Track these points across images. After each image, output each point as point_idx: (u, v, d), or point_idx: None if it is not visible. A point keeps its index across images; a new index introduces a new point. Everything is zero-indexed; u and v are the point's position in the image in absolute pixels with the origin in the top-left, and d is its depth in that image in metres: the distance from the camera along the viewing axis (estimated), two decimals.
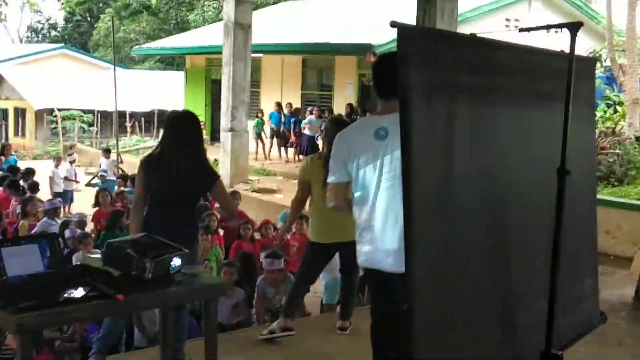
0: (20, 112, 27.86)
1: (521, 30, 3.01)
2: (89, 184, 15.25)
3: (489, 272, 2.83)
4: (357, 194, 3.43)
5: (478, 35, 2.82)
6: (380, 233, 3.31)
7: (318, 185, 4.99)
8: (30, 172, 12.39)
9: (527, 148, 3.01)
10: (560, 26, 2.88)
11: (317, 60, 18.98)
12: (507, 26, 16.98)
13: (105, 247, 3.64)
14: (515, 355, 3.12)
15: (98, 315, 3.67)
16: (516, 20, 17.27)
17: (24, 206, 9.69)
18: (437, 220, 2.48)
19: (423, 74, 2.34)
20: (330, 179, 3.58)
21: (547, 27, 2.96)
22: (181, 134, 4.45)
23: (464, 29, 13.81)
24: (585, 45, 17.08)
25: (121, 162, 16.18)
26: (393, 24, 2.23)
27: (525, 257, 3.10)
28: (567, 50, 2.93)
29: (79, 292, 3.37)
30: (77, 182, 14.87)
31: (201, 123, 5.33)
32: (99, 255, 3.74)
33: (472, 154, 2.67)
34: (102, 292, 3.35)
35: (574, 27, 2.88)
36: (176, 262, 3.62)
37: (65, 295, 3.33)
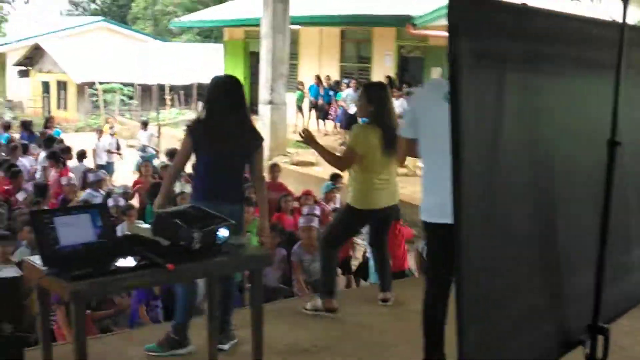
0: (62, 85, 28.26)
1: None
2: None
3: (536, 242, 2.82)
4: (427, 146, 3.72)
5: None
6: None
7: (375, 153, 5.03)
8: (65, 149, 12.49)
9: (577, 118, 2.97)
10: None
11: (355, 32, 18.86)
12: None
13: (154, 218, 3.71)
14: (561, 325, 3.11)
15: (149, 283, 3.75)
16: None
17: None
18: (485, 191, 2.47)
19: (473, 42, 2.32)
20: (401, 132, 4.03)
21: None
22: (227, 97, 4.48)
23: None
24: (636, 16, 16.66)
25: (160, 134, 16.36)
26: None
27: (573, 227, 3.07)
28: (618, 20, 2.89)
29: (129, 261, 3.45)
30: (120, 154, 15.07)
31: None
32: (147, 226, 3.81)
33: (520, 124, 2.65)
34: (152, 262, 3.42)
35: None
36: (223, 232, 3.67)
37: (117, 264, 3.42)
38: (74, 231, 3.49)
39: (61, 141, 13.51)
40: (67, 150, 12.16)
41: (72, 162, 12.02)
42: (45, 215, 3.47)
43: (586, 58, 2.97)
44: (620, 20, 2.89)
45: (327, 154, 5.27)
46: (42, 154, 11.75)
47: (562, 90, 2.83)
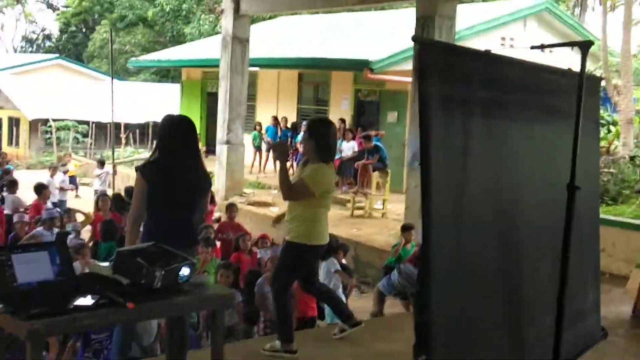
0: (14, 122, 27.83)
1: (532, 47, 3.07)
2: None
3: (500, 283, 2.87)
4: None
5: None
6: None
7: (330, 190, 5.12)
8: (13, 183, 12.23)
9: (536, 162, 3.06)
10: (572, 44, 2.95)
11: (313, 74, 19.05)
12: (502, 44, 17.11)
13: (115, 256, 3.66)
14: None
15: (108, 322, 3.68)
16: (511, 39, 17.41)
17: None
18: (452, 231, 2.52)
19: (441, 87, 2.40)
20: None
21: (559, 45, 3.02)
22: (178, 137, 4.45)
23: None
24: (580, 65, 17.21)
25: (115, 173, 16.17)
26: (414, 39, 2.27)
27: (533, 270, 3.14)
28: (571, 68, 3.00)
29: (88, 300, 3.39)
30: (74, 189, 14.80)
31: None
32: (107, 264, 3.75)
33: (485, 166, 2.72)
34: (112, 300, 3.37)
35: (585, 46, 2.94)
36: (185, 271, 3.64)
37: (76, 302, 3.35)
38: (32, 269, 3.42)
39: (7, 173, 13.21)
40: (13, 183, 11.92)
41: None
42: (2, 252, 3.39)
43: (545, 104, 3.08)
44: (576, 69, 3.00)
45: (286, 176, 5.07)
46: None
47: (525, 135, 2.92)
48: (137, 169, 4.54)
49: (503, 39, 17.35)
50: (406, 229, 9.35)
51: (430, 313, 2.37)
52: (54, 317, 3.17)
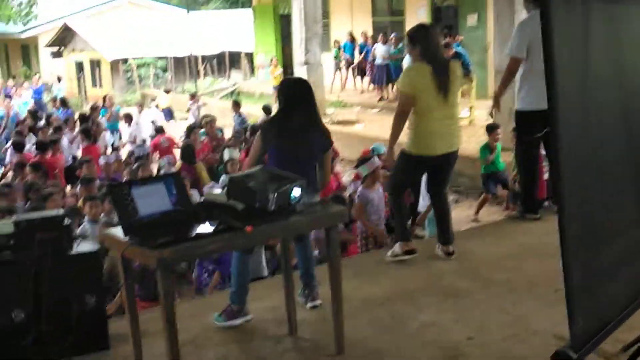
0: (95, 64, 28.42)
1: None
2: None
3: (629, 174, 2.79)
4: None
5: None
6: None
7: (429, 93, 4.97)
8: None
9: None
10: None
11: None
12: None
13: (228, 182, 3.73)
14: None
15: (230, 247, 3.78)
16: None
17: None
18: (580, 127, 2.44)
19: None
20: (511, 52, 5.86)
21: None
22: (297, 100, 4.48)
23: None
24: None
25: (204, 104, 16.50)
26: None
27: None
28: None
29: (207, 227, 3.48)
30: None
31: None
32: (220, 190, 3.83)
33: (607, 55, 2.62)
34: (231, 225, 3.44)
35: None
36: (296, 192, 3.67)
37: (197, 230, 3.45)
38: (151, 201, 3.52)
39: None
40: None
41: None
42: (123, 187, 3.50)
43: None
44: None
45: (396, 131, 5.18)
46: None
47: None
48: (260, 127, 4.74)
49: None
50: (492, 129, 9.29)
51: (565, 211, 2.31)
52: (179, 245, 3.27)
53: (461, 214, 9.73)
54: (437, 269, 5.18)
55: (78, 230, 6.50)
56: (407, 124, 5.16)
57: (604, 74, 2.62)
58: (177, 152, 11.19)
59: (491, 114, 7.57)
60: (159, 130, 12.66)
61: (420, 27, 5.32)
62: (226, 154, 9.30)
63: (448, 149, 5.15)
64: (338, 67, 18.06)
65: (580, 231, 2.46)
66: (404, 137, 5.18)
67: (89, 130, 11.84)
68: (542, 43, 2.27)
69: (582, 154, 2.46)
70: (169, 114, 17.48)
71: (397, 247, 5.35)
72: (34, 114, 15.29)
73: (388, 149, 5.31)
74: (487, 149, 9.38)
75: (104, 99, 16.22)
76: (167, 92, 19.47)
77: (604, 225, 2.60)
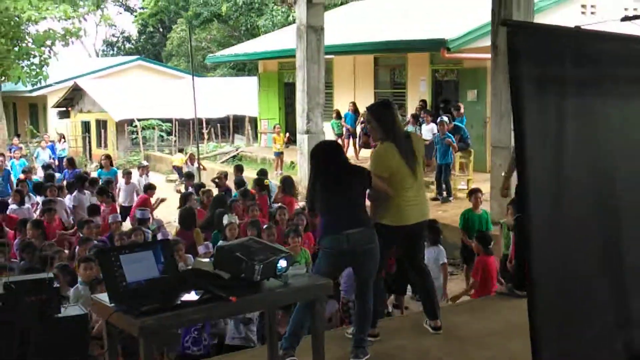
0: (101, 124, 28.80)
1: (623, 19, 3.00)
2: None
3: (602, 258, 2.84)
4: None
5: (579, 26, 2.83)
6: None
7: (400, 170, 5.11)
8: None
9: (634, 137, 2.99)
10: None
11: (389, 58, 18.94)
12: (583, 13, 16.57)
13: (215, 252, 3.80)
14: (628, 340, 3.10)
15: (213, 316, 3.83)
16: (592, 6, 16.82)
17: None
18: (550, 209, 2.52)
19: (533, 69, 2.38)
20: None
21: None
22: (331, 157, 4.96)
23: (540, 19, 13.57)
24: None
25: (204, 168, 16.60)
26: (504, 23, 2.27)
27: (635, 242, 3.08)
28: None
29: (192, 296, 3.53)
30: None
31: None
32: (208, 260, 3.89)
33: (582, 144, 2.70)
34: (215, 295, 3.50)
35: None
36: (282, 264, 3.73)
37: (181, 298, 3.50)
38: (139, 268, 3.58)
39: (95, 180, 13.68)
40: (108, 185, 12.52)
41: None
42: (111, 254, 3.57)
43: None
44: None
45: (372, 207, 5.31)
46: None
47: (620, 110, 2.86)
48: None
49: (583, 6, 16.78)
50: (472, 193, 9.36)
51: (532, 288, 2.38)
52: (163, 313, 3.32)
53: (456, 287, 9.72)
54: (426, 343, 5.19)
55: (71, 292, 6.53)
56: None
57: (579, 163, 2.70)
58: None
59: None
60: (149, 188, 12.82)
61: (380, 105, 5.53)
62: (225, 219, 9.37)
63: (421, 218, 5.29)
64: (339, 136, 18.28)
65: (551, 317, 2.51)
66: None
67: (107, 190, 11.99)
68: (514, 134, 2.38)
69: (554, 241, 2.54)
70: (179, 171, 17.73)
71: None
72: (49, 172, 15.33)
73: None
74: (467, 214, 9.26)
75: (105, 158, 16.38)
76: (181, 151, 19.86)
77: (578, 313, 2.66)
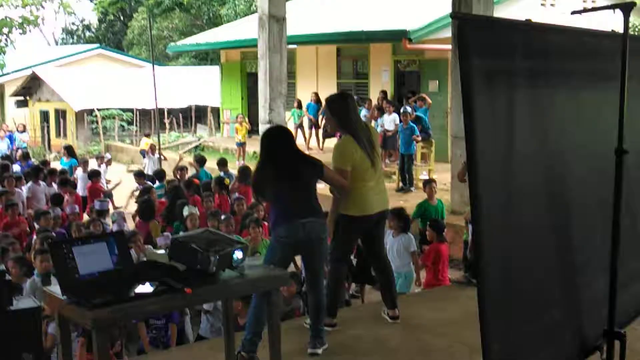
0: (60, 114, 28.33)
1: (573, 13, 3.04)
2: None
3: (552, 250, 2.89)
4: None
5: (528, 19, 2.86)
6: None
7: (361, 162, 5.13)
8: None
9: (585, 129, 3.04)
10: (612, 7, 2.91)
11: (351, 48, 18.96)
12: (542, 4, 16.76)
13: (171, 243, 3.77)
14: (576, 332, 3.16)
15: (168, 308, 3.81)
16: None
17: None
18: (501, 200, 2.55)
19: (483, 62, 2.40)
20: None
21: (599, 9, 2.98)
22: (280, 144, 4.89)
23: (500, 11, 13.71)
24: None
25: (165, 158, 16.43)
26: (453, 15, 2.28)
27: (585, 235, 3.13)
28: (618, 31, 2.96)
29: (147, 287, 3.51)
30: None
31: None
32: (163, 251, 3.87)
33: (532, 137, 2.73)
34: (171, 286, 3.47)
35: (626, 8, 2.90)
36: (238, 255, 3.72)
37: (136, 290, 3.47)
38: (93, 260, 3.54)
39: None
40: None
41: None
42: (64, 245, 3.52)
43: (591, 69, 3.05)
44: (620, 31, 2.97)
45: (333, 208, 5.31)
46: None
47: (571, 102, 2.90)
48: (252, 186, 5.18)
49: None
50: (427, 183, 9.47)
51: (483, 283, 2.41)
52: (116, 305, 3.29)
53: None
54: (383, 332, 5.23)
55: (27, 284, 6.44)
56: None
57: (529, 156, 2.73)
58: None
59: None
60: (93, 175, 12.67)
61: (338, 97, 5.56)
62: (186, 210, 9.31)
63: (382, 208, 5.33)
64: (299, 126, 18.24)
65: (501, 307, 2.55)
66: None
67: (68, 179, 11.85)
68: (465, 127, 2.40)
69: (504, 232, 2.57)
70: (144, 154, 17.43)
71: None
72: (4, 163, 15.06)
73: (330, 222, 5.25)
74: (423, 205, 9.35)
75: (66, 149, 16.12)
76: (147, 135, 19.56)
77: (527, 304, 2.69)
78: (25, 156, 16.10)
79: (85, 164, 13.68)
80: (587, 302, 3.23)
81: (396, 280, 6.94)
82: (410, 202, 12.22)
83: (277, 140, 4.95)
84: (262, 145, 4.97)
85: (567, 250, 2.94)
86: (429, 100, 14.97)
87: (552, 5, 16.74)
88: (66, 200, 10.80)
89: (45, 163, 14.37)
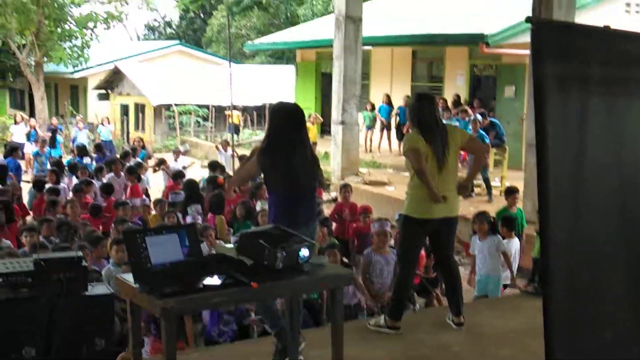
0: (139, 108, 29.12)
1: None
2: None
3: (621, 262, 2.82)
4: None
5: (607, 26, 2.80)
6: None
7: (428, 159, 5.09)
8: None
9: None
10: None
11: (427, 51, 18.84)
12: (627, 11, 16.27)
13: (239, 238, 3.85)
14: None
15: (234, 301, 3.89)
16: (637, 5, 16.50)
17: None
18: (570, 212, 2.50)
19: (557, 67, 2.37)
20: None
21: None
22: (289, 122, 4.68)
23: (582, 16, 13.38)
24: None
25: (237, 155, 16.67)
26: (528, 20, 2.26)
27: None
28: None
29: (215, 280, 3.59)
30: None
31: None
32: (232, 245, 3.95)
33: (606, 146, 2.67)
34: (237, 280, 3.55)
35: None
36: (304, 252, 3.77)
37: (204, 282, 3.56)
38: (164, 250, 3.65)
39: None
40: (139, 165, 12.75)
41: None
42: (137, 235, 3.64)
43: None
44: None
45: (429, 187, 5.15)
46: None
47: None
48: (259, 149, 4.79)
49: (628, 5, 16.47)
50: (511, 192, 9.24)
51: (550, 292, 2.38)
52: (185, 296, 3.38)
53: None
54: (446, 338, 5.20)
55: (103, 271, 6.66)
56: (407, 188, 5.30)
57: (602, 165, 2.68)
58: None
59: None
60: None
61: (415, 97, 5.52)
62: (258, 205, 9.44)
63: (446, 214, 5.19)
64: (371, 127, 18.21)
65: (566, 317, 2.51)
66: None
67: (135, 169, 12.18)
68: (535, 132, 2.37)
69: (572, 241, 2.53)
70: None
71: (382, 320, 5.35)
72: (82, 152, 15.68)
73: (435, 196, 5.10)
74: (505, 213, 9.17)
75: (138, 141, 16.65)
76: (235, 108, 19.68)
77: (593, 316, 2.64)
78: (99, 149, 16.63)
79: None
80: None
81: (487, 284, 6.91)
82: (481, 208, 12.06)
83: (294, 121, 4.73)
84: (274, 120, 4.80)
85: (636, 264, 2.86)
86: (470, 113, 14.50)
87: (637, 12, 16.23)
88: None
89: (126, 155, 14.81)
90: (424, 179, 5.07)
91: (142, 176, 12.66)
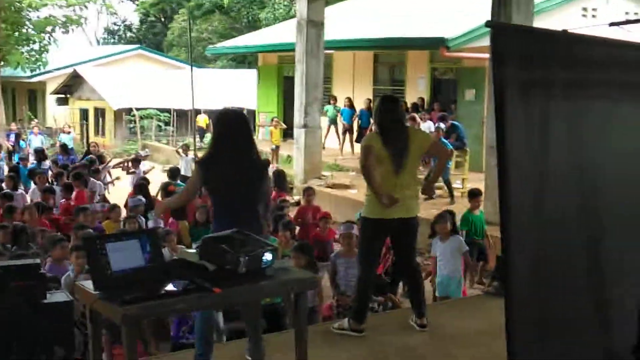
0: (99, 112, 28.77)
1: (611, 24, 3.01)
2: None
3: (583, 262, 2.86)
4: None
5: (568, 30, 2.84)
6: None
7: (382, 161, 5.11)
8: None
9: (622, 141, 3.01)
10: None
11: (389, 55, 18.95)
12: (584, 15, 16.57)
13: (201, 243, 3.81)
14: (606, 347, 3.12)
15: (196, 307, 3.84)
16: (593, 9, 16.82)
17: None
18: (533, 217, 2.52)
19: (518, 71, 2.39)
20: None
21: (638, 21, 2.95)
22: (233, 129, 4.64)
23: (540, 21, 13.58)
24: None
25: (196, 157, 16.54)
26: (488, 24, 2.28)
27: (618, 248, 3.09)
28: None
29: (177, 286, 3.55)
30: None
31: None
32: (194, 251, 3.91)
33: (568, 149, 2.71)
34: (200, 286, 3.51)
35: None
36: (268, 257, 3.75)
37: (166, 288, 3.52)
38: (125, 256, 3.59)
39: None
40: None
41: None
42: (97, 241, 3.58)
43: (632, 83, 3.01)
44: None
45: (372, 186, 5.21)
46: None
47: (608, 114, 2.87)
48: (196, 162, 4.83)
49: (584, 10, 16.77)
50: (474, 195, 9.32)
51: (511, 292, 2.39)
52: (146, 302, 3.34)
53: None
54: (410, 340, 5.22)
55: (62, 279, 6.54)
56: (365, 190, 5.32)
57: (563, 166, 2.71)
58: None
59: None
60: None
61: (380, 100, 5.54)
62: None
63: (402, 215, 5.19)
64: (332, 123, 18.25)
65: (527, 317, 2.53)
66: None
67: (82, 175, 11.95)
68: (496, 134, 2.39)
69: (533, 247, 2.55)
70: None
71: (346, 322, 5.34)
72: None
73: (384, 197, 5.11)
74: (468, 216, 9.29)
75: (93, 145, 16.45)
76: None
77: (556, 317, 2.67)
78: (64, 150, 16.36)
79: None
80: (618, 317, 3.19)
81: (449, 285, 6.92)
82: (441, 209, 12.13)
83: (237, 128, 4.68)
84: (218, 127, 4.77)
85: (598, 264, 2.91)
86: (418, 121, 14.51)
87: (593, 16, 16.54)
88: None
89: (101, 158, 14.61)
90: (367, 176, 5.15)
91: (98, 182, 12.46)
